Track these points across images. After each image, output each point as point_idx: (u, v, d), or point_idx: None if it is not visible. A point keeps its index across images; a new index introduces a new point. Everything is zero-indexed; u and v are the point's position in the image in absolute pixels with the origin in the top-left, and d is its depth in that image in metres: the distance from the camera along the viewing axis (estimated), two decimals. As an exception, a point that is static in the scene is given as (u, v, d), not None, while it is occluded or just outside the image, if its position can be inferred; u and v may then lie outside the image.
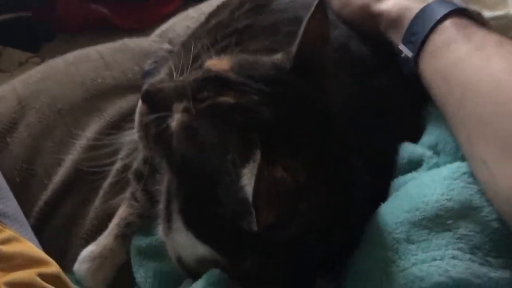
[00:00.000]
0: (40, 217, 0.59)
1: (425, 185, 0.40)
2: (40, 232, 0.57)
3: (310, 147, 0.38)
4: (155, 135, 0.41)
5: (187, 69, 0.50)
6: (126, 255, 0.54)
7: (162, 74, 0.66)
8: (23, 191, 0.60)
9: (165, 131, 0.39)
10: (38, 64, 1.78)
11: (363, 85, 0.48)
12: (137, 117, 0.43)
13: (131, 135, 0.66)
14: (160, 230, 0.48)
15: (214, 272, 0.40)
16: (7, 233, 0.44)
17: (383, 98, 0.49)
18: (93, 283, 0.53)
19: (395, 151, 0.46)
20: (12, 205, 0.50)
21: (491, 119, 0.38)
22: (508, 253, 0.36)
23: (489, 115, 0.39)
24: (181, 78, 0.44)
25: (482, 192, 0.38)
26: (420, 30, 0.48)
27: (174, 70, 0.47)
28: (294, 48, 0.41)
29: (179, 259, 0.45)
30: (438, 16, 0.47)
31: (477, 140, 0.39)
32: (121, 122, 0.67)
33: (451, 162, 0.42)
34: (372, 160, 0.43)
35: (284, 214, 0.34)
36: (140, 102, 0.43)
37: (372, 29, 0.54)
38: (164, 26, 0.95)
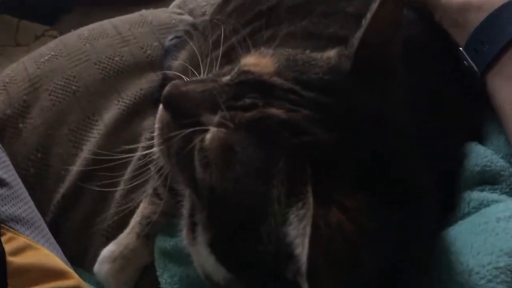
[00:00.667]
0: (57, 212, 0.55)
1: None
2: (58, 228, 0.53)
3: (372, 177, 0.29)
4: (179, 152, 0.33)
5: (209, 57, 0.43)
6: (149, 256, 0.50)
7: (182, 57, 0.59)
8: (38, 183, 0.56)
9: (192, 149, 0.31)
10: (55, 37, 1.74)
11: (421, 79, 0.40)
12: (157, 126, 0.35)
13: (153, 120, 0.61)
14: (184, 236, 0.43)
15: None
16: (20, 240, 0.39)
17: (441, 89, 0.42)
18: (115, 286, 0.49)
19: (459, 152, 0.39)
20: (25, 205, 0.45)
21: None
22: None
23: None
24: (210, 75, 0.36)
25: None
26: (492, 41, 0.40)
27: (199, 57, 0.40)
28: (355, 41, 0.32)
29: (207, 275, 0.39)
30: None
31: None
32: (141, 105, 0.61)
33: None
34: (439, 171, 0.35)
35: (341, 272, 0.26)
36: (160, 108, 0.35)
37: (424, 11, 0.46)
38: (184, -6, 0.87)
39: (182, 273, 0.46)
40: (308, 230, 0.25)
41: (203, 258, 0.37)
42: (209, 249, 0.33)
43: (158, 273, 0.47)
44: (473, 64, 0.42)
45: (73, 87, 0.62)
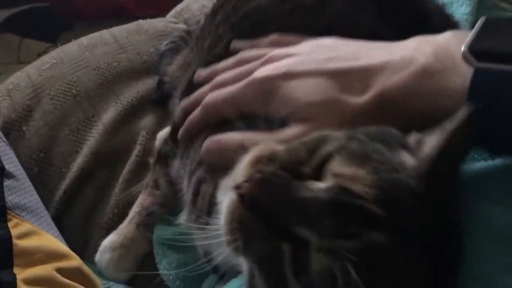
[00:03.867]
0: (60, 207, 0.57)
1: None
2: (61, 222, 0.56)
3: None
4: (263, 257, 0.30)
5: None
6: (148, 245, 0.52)
7: (176, 63, 0.62)
8: (41, 181, 0.58)
9: (281, 257, 0.29)
10: (56, 54, 1.79)
11: None
12: (227, 218, 0.30)
13: (150, 119, 0.64)
14: (184, 217, 0.45)
15: None
16: (25, 226, 0.42)
17: None
18: (115, 274, 0.51)
19: None
20: (30, 197, 0.48)
21: None
22: None
23: None
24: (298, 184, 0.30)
25: None
26: None
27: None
28: (429, 152, 0.30)
29: (206, 252, 0.41)
30: None
31: None
32: (139, 106, 0.65)
33: None
34: None
35: None
36: (232, 198, 0.30)
37: None
38: (179, 7, 0.92)
39: (180, 259, 0.48)
40: None
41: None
42: None
43: (156, 260, 0.49)
44: None
45: (74, 91, 0.65)
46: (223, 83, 0.42)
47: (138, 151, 0.60)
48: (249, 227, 0.29)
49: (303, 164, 0.31)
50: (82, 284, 0.40)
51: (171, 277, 0.47)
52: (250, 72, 0.39)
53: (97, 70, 0.67)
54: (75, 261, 0.41)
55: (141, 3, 1.90)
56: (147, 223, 0.53)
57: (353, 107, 0.35)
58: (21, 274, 0.37)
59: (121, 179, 0.58)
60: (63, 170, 0.59)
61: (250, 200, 0.29)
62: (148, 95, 0.66)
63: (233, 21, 0.54)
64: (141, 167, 0.58)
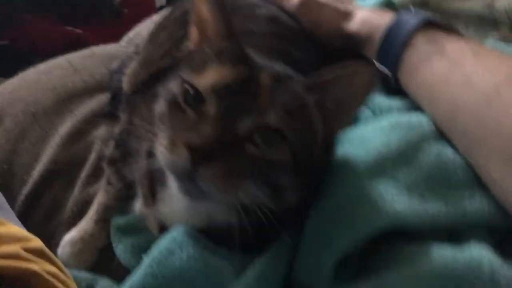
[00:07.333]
0: (22, 210, 0.62)
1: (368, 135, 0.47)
2: (24, 224, 0.61)
3: None
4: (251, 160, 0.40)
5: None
6: (106, 239, 0.57)
7: (133, 64, 0.71)
8: (5, 189, 0.63)
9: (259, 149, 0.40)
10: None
11: None
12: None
13: (103, 129, 0.71)
14: (137, 206, 0.52)
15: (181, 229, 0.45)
16: (-8, 218, 0.47)
17: None
18: (76, 266, 0.56)
19: None
20: (-3, 195, 0.53)
21: (485, 138, 0.40)
22: (438, 189, 0.43)
23: (483, 134, 0.40)
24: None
25: (414, 142, 0.45)
26: (393, 48, 0.49)
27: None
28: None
29: (162, 227, 0.49)
30: (407, 33, 0.48)
31: (477, 156, 0.41)
32: (92, 118, 0.71)
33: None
34: None
35: None
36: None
37: (348, 47, 0.58)
38: (131, 33, 1.00)
39: (134, 242, 0.54)
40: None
41: (160, 212, 0.48)
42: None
43: (114, 245, 0.55)
44: (387, 73, 0.51)
45: (32, 110, 0.71)
46: None
47: (94, 158, 0.66)
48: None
49: None
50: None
51: (126, 256, 0.53)
52: None
53: (53, 90, 0.74)
54: (37, 242, 0.47)
55: (101, 35, 1.97)
56: (104, 218, 0.59)
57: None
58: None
59: (79, 183, 0.64)
60: (24, 178, 0.64)
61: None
62: (101, 109, 0.73)
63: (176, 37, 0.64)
64: (97, 172, 0.65)
